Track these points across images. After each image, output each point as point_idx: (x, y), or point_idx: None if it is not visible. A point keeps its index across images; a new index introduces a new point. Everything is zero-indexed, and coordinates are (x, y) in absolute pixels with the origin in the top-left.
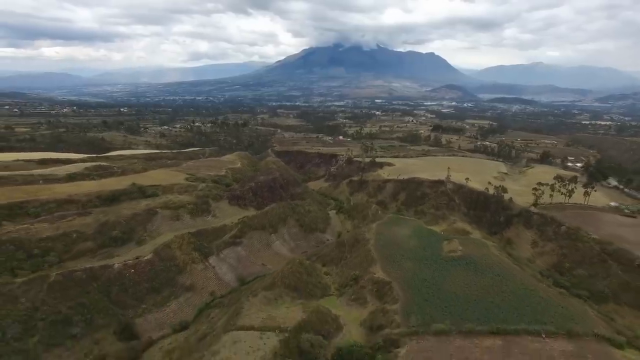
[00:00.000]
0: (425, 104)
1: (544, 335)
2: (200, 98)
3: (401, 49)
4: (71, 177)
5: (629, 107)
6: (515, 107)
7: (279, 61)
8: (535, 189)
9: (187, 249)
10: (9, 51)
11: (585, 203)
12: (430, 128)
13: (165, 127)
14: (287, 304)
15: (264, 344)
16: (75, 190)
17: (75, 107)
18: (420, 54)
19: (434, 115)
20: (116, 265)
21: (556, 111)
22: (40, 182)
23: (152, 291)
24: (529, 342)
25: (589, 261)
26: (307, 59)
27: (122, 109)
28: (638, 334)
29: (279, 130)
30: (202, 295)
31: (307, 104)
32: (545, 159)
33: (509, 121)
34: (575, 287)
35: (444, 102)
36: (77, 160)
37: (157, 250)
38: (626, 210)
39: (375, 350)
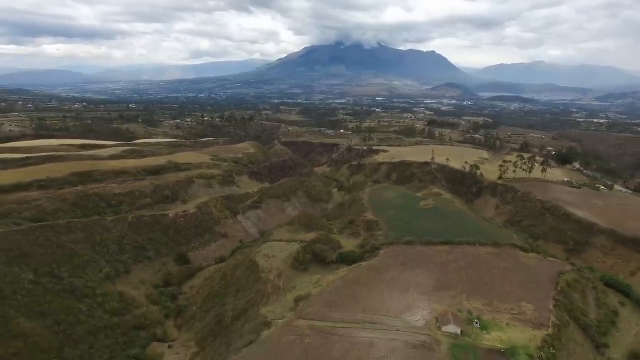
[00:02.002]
0: (426, 102)
1: (477, 244)
2: (202, 95)
3: (402, 48)
4: (112, 157)
5: (627, 106)
6: (514, 106)
7: (280, 59)
8: (501, 166)
9: (220, 208)
10: (10, 48)
11: (543, 177)
12: (426, 123)
13: (177, 120)
14: (303, 234)
15: (290, 248)
16: (124, 165)
17: (85, 104)
18: (421, 52)
19: (432, 113)
20: (171, 215)
21: (555, 110)
22: (89, 160)
23: (197, 235)
24: (467, 248)
25: (533, 215)
26: (308, 57)
27: (130, 105)
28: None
29: (283, 125)
30: (234, 241)
31: (308, 102)
32: (525, 148)
33: (505, 118)
34: (520, 233)
35: (444, 101)
36: (110, 145)
37: (199, 206)
38: (574, 183)
39: (364, 253)
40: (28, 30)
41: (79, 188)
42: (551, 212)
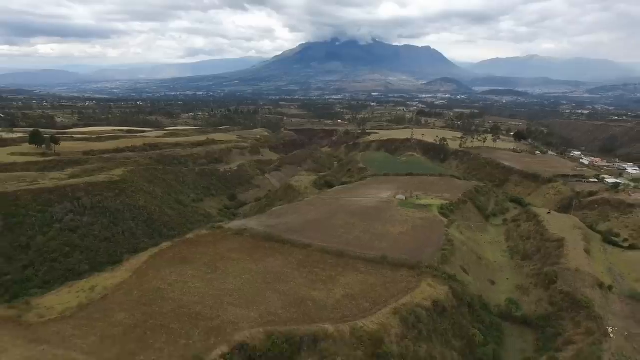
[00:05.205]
0: (420, 96)
1: (428, 175)
2: (200, 93)
3: (397, 43)
4: (157, 137)
5: (617, 98)
6: (506, 99)
7: (276, 56)
8: (461, 138)
9: (253, 168)
10: (5, 49)
11: (494, 146)
12: (415, 113)
13: (191, 113)
14: (316, 174)
15: (310, 178)
16: (176, 140)
17: (94, 101)
18: (416, 47)
19: (425, 106)
20: (221, 170)
21: (545, 102)
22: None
23: (240, 184)
24: (422, 176)
25: (478, 167)
26: (304, 54)
27: (138, 102)
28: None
29: (285, 118)
30: (264, 190)
31: (305, 98)
32: (494, 130)
33: (493, 110)
34: (468, 178)
35: (439, 95)
36: (149, 130)
37: (239, 166)
38: (517, 150)
39: (357, 180)
40: (23, 30)
41: (158, 151)
42: (490, 165)
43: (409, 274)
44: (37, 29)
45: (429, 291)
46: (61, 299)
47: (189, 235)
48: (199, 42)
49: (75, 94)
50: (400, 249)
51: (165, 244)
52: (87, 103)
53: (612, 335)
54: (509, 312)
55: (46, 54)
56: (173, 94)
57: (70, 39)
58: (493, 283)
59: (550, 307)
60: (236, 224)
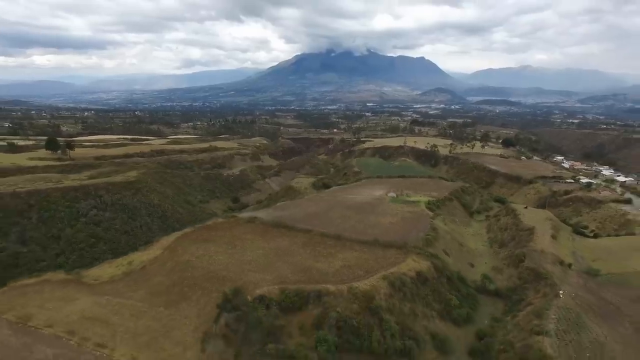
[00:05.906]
0: (415, 106)
1: (418, 177)
2: (197, 104)
3: (392, 54)
4: (162, 145)
5: (607, 108)
6: (499, 109)
7: (272, 67)
8: (451, 144)
9: (254, 172)
10: (0, 60)
11: (482, 152)
12: (409, 122)
13: (190, 123)
14: (314, 177)
15: (309, 180)
16: (181, 147)
17: (92, 111)
18: (411, 58)
19: (419, 116)
20: (225, 174)
21: (538, 112)
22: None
23: (242, 188)
24: (412, 178)
25: (466, 171)
26: (299, 65)
27: (136, 112)
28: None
29: (282, 127)
30: (265, 194)
31: (301, 108)
32: (484, 138)
33: (486, 119)
34: (457, 181)
35: (433, 105)
36: (153, 139)
37: (241, 170)
38: (504, 155)
39: (353, 182)
40: (19, 41)
41: (165, 157)
42: (477, 168)
43: (397, 252)
44: (33, 40)
45: (413, 264)
46: (105, 271)
47: (208, 222)
48: (195, 53)
49: (71, 105)
50: (390, 234)
51: (187, 229)
52: (85, 113)
53: (561, 296)
54: (483, 286)
55: (42, 64)
56: (169, 104)
57: (67, 50)
58: (472, 266)
59: (518, 281)
60: (247, 214)
